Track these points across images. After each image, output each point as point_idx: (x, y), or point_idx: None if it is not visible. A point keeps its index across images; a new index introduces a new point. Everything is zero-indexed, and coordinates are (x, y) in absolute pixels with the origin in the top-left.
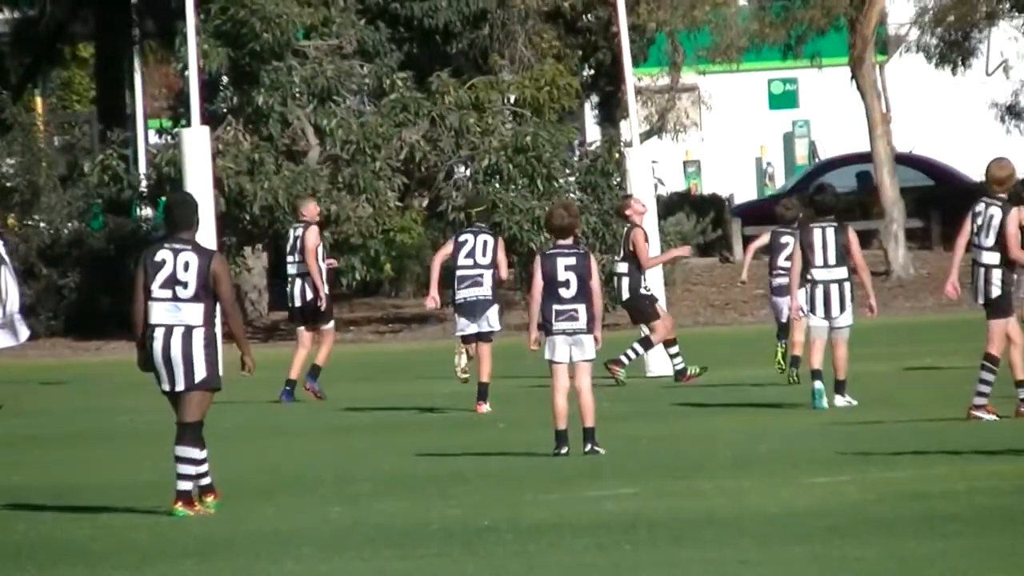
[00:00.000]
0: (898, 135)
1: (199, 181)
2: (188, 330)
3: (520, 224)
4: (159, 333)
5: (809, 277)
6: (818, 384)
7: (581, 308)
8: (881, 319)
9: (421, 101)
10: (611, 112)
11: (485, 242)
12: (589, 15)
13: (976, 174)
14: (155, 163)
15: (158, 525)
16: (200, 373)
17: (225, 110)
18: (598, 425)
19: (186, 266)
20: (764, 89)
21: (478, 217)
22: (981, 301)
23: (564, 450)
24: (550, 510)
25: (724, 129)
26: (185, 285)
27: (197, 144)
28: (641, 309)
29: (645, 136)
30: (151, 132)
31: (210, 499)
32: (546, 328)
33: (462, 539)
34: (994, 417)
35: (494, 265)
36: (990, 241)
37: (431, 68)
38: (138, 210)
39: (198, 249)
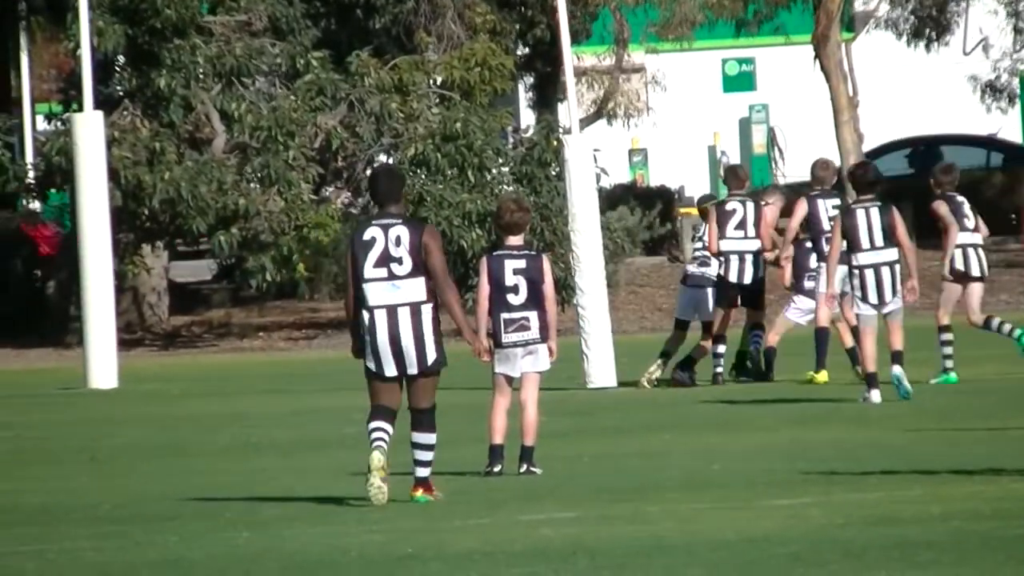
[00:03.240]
0: (865, 120)
1: (92, 172)
2: (415, 308)
3: (450, 219)
4: (381, 315)
5: (855, 262)
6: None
7: (532, 316)
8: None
9: (339, 83)
10: (548, 95)
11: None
12: None
13: (948, 160)
14: (44, 152)
15: (47, 553)
16: (432, 356)
17: (121, 93)
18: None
19: (398, 240)
20: (718, 70)
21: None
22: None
23: (498, 468)
24: (480, 536)
25: (673, 115)
26: (400, 261)
27: (90, 131)
28: None
29: (587, 122)
30: (39, 118)
31: (419, 493)
32: (495, 339)
33: (383, 568)
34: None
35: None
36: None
37: (350, 47)
38: (24, 203)
39: (409, 222)
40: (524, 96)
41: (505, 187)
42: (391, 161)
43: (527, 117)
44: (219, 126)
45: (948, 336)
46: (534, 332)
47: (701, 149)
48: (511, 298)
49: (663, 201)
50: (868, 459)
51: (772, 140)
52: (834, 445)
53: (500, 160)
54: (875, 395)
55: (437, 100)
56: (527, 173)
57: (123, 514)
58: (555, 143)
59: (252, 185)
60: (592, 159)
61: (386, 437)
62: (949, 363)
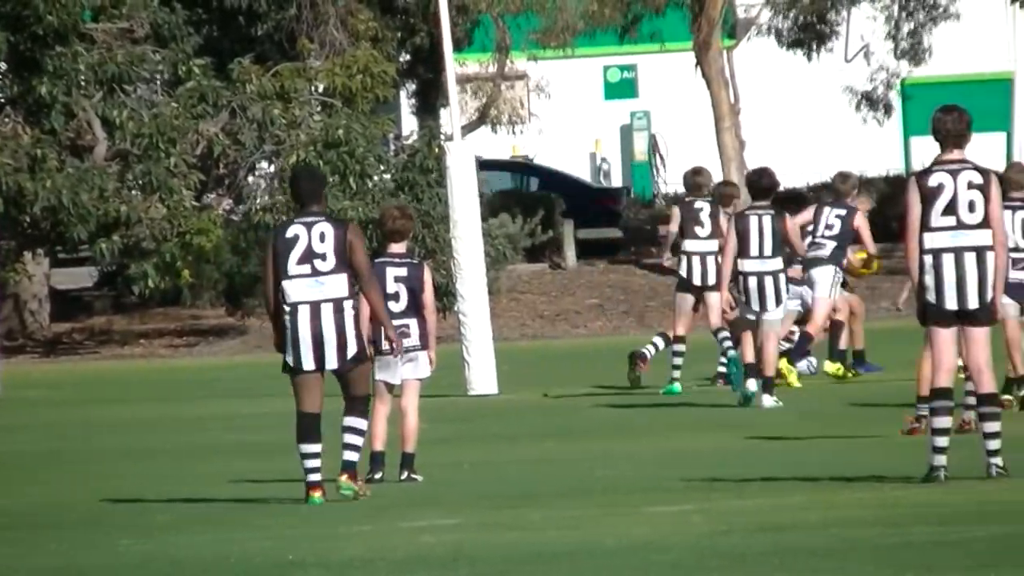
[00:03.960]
0: (747, 127)
1: None
2: (338, 304)
3: None
4: (304, 311)
5: (740, 267)
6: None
7: (413, 323)
8: None
9: (220, 90)
10: (431, 102)
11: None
12: None
13: (829, 167)
14: None
15: None
16: (353, 348)
17: (2, 100)
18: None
19: (322, 237)
20: (599, 77)
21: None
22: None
23: (379, 475)
24: (362, 543)
25: (555, 121)
26: (324, 257)
27: None
28: None
29: (469, 129)
30: None
31: (344, 479)
32: (375, 345)
33: (263, 575)
34: None
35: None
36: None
37: (232, 53)
38: None
39: (332, 219)
40: (406, 103)
41: (387, 194)
42: (272, 168)
43: (409, 124)
44: (100, 133)
45: (680, 347)
46: (414, 339)
47: (583, 156)
48: (392, 305)
49: (545, 208)
50: (751, 466)
51: (653, 147)
52: (717, 451)
53: (382, 167)
54: (752, 384)
55: (319, 107)
56: (409, 180)
57: (4, 521)
58: (437, 150)
59: (134, 192)
60: (474, 166)
61: (319, 464)
62: (677, 373)
